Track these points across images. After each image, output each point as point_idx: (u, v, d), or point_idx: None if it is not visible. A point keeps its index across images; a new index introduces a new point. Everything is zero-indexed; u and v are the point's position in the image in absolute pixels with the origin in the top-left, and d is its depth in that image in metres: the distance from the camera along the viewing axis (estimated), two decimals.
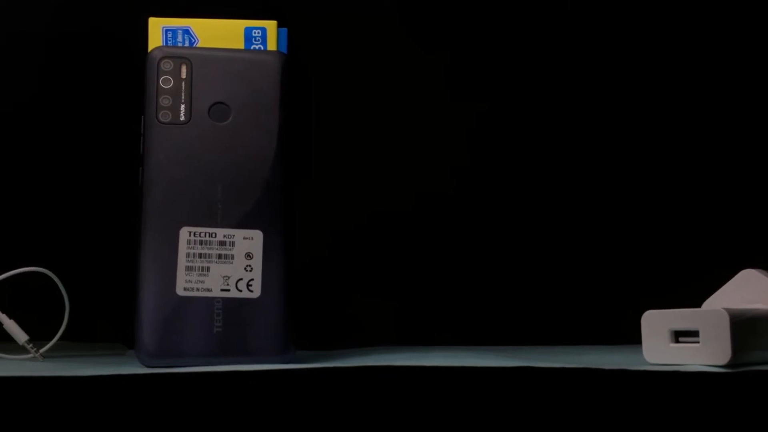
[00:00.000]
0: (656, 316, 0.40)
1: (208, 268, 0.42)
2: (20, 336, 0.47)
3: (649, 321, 0.41)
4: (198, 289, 0.42)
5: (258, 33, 0.46)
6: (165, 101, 0.43)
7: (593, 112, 0.64)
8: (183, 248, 0.42)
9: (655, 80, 0.65)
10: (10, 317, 0.47)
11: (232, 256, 0.42)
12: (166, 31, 0.45)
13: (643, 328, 0.41)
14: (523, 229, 0.63)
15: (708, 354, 0.39)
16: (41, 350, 0.47)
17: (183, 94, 0.43)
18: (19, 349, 0.47)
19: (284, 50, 0.46)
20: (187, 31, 0.45)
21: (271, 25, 0.46)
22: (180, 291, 0.41)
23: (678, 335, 0.40)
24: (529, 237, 0.63)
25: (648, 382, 0.38)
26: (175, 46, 0.45)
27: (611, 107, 0.64)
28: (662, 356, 0.40)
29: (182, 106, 0.43)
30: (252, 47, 0.45)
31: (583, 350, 0.51)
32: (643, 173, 0.64)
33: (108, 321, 0.58)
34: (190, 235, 0.42)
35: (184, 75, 0.43)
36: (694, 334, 0.39)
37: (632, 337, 0.42)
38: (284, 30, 0.46)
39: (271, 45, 0.46)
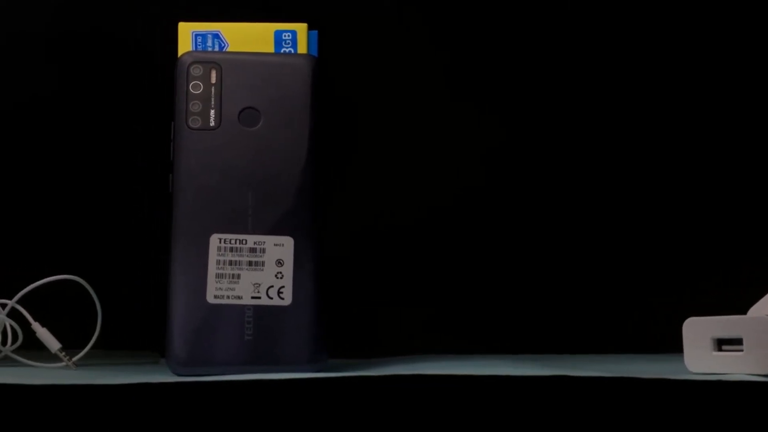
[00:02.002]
0: (698, 323, 0.40)
1: (238, 276, 0.42)
2: (53, 344, 0.48)
3: (691, 328, 0.40)
4: (228, 297, 0.42)
5: (288, 36, 0.46)
6: (195, 107, 0.44)
7: (632, 116, 0.64)
8: (213, 255, 0.42)
9: (672, 76, 0.64)
10: (43, 325, 0.48)
11: (263, 263, 0.43)
12: (196, 35, 0.46)
13: (684, 335, 0.40)
14: (561, 234, 0.63)
15: (752, 363, 0.38)
16: (74, 359, 0.48)
17: (213, 99, 0.44)
18: (52, 358, 0.48)
19: (315, 53, 0.46)
20: (216, 36, 0.46)
21: (301, 28, 0.46)
22: (210, 299, 0.42)
23: (721, 343, 0.40)
24: (567, 242, 0.63)
25: (689, 392, 0.37)
26: (204, 50, 0.46)
27: (640, 106, 0.64)
28: (704, 365, 0.40)
29: (212, 112, 0.44)
30: (282, 50, 0.46)
31: (623, 359, 0.51)
32: (685, 175, 0.64)
33: (141, 328, 0.59)
34: (220, 242, 0.42)
35: (213, 80, 0.44)
36: (737, 342, 0.39)
37: (673, 345, 0.42)
38: (314, 32, 0.47)
39: (302, 48, 0.46)
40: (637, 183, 0.64)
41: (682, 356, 0.41)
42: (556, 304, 0.63)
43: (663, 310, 0.61)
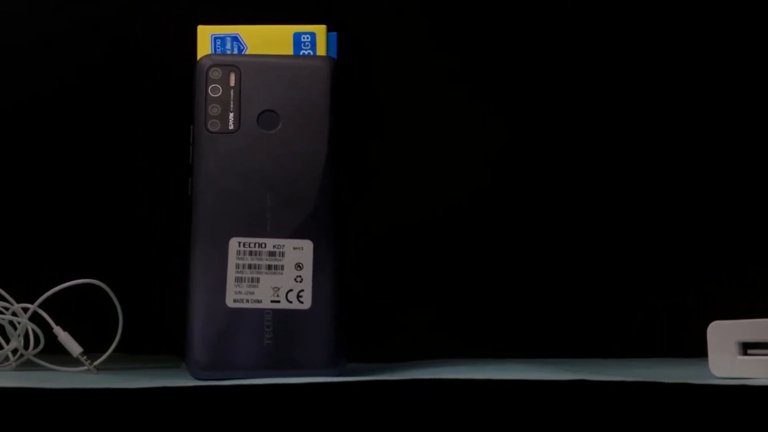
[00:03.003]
0: (723, 326, 0.40)
1: (257, 279, 0.43)
2: (74, 348, 0.49)
3: (716, 332, 0.40)
4: (248, 301, 0.43)
5: (307, 38, 0.47)
6: (214, 110, 0.44)
7: (645, 115, 0.64)
8: (232, 259, 0.43)
9: (683, 74, 0.64)
10: (65, 329, 0.49)
11: (282, 267, 0.43)
12: (215, 38, 0.47)
13: (709, 339, 0.40)
14: (579, 236, 0.63)
15: None
16: (95, 363, 0.49)
17: (232, 102, 0.44)
18: (74, 362, 0.49)
19: (334, 55, 0.47)
20: (235, 38, 0.47)
21: (320, 30, 0.47)
22: (230, 303, 0.43)
23: (746, 347, 0.39)
24: (586, 244, 0.63)
25: (713, 396, 0.37)
26: (223, 53, 0.47)
27: (649, 105, 0.64)
28: (729, 369, 0.40)
29: (231, 115, 0.44)
30: (301, 53, 0.47)
31: (645, 363, 0.51)
32: (710, 175, 0.64)
33: (163, 332, 0.60)
34: (239, 246, 0.43)
35: (232, 83, 0.45)
36: (763, 346, 0.39)
37: (698, 349, 0.42)
38: (334, 34, 0.47)
39: (321, 50, 0.47)
40: (659, 185, 0.64)
41: (707, 360, 0.41)
42: (577, 307, 0.63)
43: (687, 313, 0.61)
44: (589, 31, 0.64)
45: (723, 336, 0.40)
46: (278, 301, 0.43)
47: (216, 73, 0.44)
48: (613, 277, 0.63)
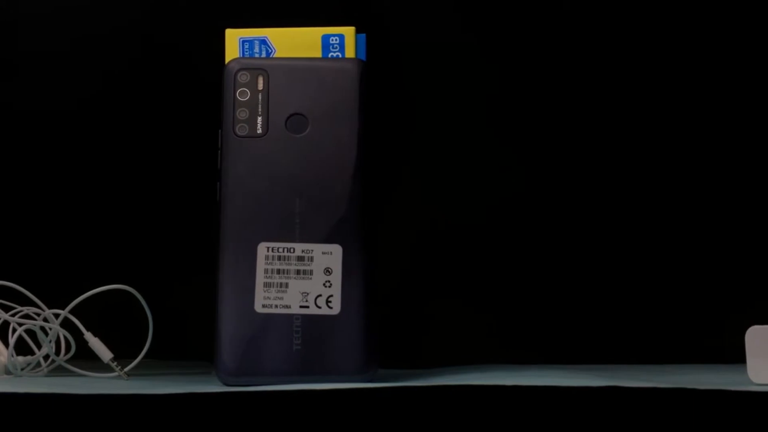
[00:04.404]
0: (762, 331, 0.40)
1: (286, 285, 0.44)
2: (105, 354, 0.50)
3: (755, 337, 0.40)
4: (277, 306, 0.44)
5: (336, 40, 0.47)
6: (242, 114, 0.45)
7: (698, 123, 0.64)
8: (261, 264, 0.44)
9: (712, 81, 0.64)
10: (95, 335, 0.50)
11: (311, 272, 0.44)
12: (243, 42, 0.48)
13: (747, 345, 0.40)
14: (618, 239, 0.63)
15: None
16: (126, 368, 0.50)
17: (260, 106, 0.45)
18: (104, 367, 0.50)
19: (363, 57, 0.48)
20: (264, 42, 0.48)
21: (348, 32, 0.48)
22: (258, 308, 0.43)
23: None
24: (625, 246, 0.63)
25: (750, 403, 0.37)
26: (251, 57, 0.47)
27: (693, 113, 0.64)
28: None
29: (259, 119, 0.45)
30: (330, 55, 0.47)
31: (682, 369, 0.51)
32: (747, 178, 0.63)
33: (194, 338, 0.61)
34: (268, 251, 0.44)
35: (261, 86, 0.45)
36: None
37: (737, 355, 0.42)
38: (362, 36, 0.48)
39: (350, 52, 0.47)
40: (692, 192, 0.63)
41: (746, 367, 0.41)
42: (611, 312, 0.63)
43: (726, 319, 0.61)
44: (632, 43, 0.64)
45: (762, 341, 0.40)
46: (307, 307, 0.43)
47: (244, 77, 0.45)
48: (648, 281, 0.63)
